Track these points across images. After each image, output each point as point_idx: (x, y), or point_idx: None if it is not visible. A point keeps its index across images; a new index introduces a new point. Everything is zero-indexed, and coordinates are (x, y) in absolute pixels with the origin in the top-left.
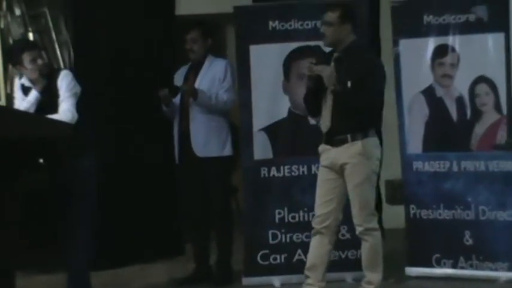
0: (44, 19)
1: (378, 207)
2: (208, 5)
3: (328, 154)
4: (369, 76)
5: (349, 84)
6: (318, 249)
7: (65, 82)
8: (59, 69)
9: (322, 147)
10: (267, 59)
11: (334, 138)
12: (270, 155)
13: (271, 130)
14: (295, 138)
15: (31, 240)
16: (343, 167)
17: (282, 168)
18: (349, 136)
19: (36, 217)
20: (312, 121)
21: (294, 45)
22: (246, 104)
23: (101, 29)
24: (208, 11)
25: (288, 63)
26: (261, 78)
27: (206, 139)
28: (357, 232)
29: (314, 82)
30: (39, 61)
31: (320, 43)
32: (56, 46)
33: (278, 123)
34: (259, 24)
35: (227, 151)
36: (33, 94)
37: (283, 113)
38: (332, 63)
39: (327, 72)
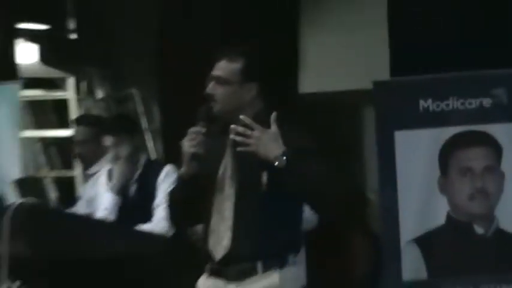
0: (131, 102)
1: None
2: (339, 80)
3: None
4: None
5: (264, 179)
6: None
7: (167, 181)
8: (159, 163)
9: (206, 283)
10: (417, 149)
11: (232, 268)
12: (423, 274)
13: (424, 241)
14: (457, 252)
15: None
16: None
17: None
18: (259, 264)
19: None
20: (480, 230)
21: (452, 130)
22: (391, 208)
23: None
24: (339, 88)
25: (446, 154)
26: (410, 173)
27: None
28: None
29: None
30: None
31: (491, 128)
32: (147, 136)
33: (434, 233)
34: (408, 103)
35: None
36: (110, 198)
37: (440, 219)
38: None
39: (267, 137)
